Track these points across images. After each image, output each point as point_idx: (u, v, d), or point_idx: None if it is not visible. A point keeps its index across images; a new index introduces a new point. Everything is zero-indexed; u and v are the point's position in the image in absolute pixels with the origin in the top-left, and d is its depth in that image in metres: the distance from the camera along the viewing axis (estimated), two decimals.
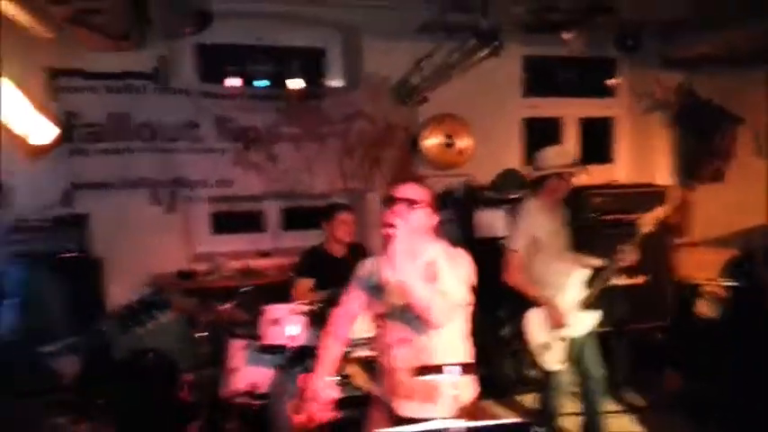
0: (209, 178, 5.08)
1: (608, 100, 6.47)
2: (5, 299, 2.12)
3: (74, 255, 4.29)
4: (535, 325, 3.78)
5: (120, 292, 4.34)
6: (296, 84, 5.27)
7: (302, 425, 2.57)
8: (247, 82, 5.42)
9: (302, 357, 3.79)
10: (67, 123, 4.64)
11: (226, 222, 5.52)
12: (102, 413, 4.15)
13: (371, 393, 2.69)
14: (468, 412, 2.13)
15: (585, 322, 3.77)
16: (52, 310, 2.23)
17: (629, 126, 6.43)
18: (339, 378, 2.79)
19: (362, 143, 5.43)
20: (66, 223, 4.42)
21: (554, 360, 3.77)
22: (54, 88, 4.64)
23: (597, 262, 3.82)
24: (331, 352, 2.66)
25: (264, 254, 5.32)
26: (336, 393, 2.61)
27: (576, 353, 3.80)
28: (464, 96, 5.50)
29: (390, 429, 2.12)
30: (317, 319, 3.80)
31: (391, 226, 2.33)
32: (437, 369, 2.23)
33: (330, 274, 4.03)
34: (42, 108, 4.48)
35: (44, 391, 3.29)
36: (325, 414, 2.55)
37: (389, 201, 2.45)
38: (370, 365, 3.10)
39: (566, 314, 3.69)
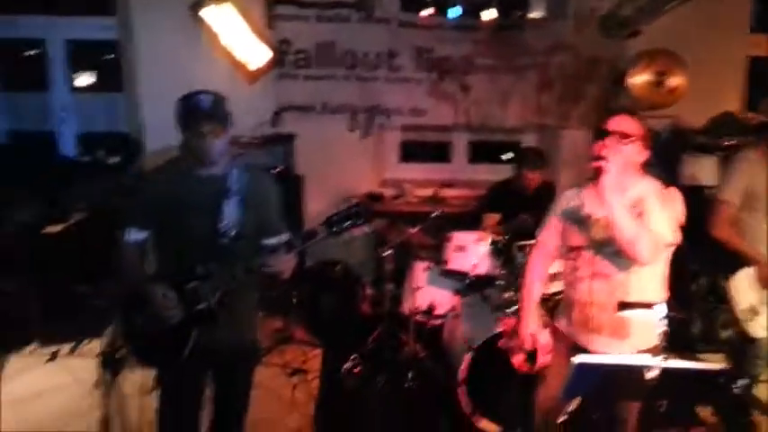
0: (403, 107, 5.20)
1: None
2: (230, 197, 2.38)
3: (280, 170, 4.67)
4: (744, 285, 3.37)
5: (316, 207, 4.71)
6: (494, 14, 5.12)
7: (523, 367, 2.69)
8: (447, 12, 5.38)
9: (481, 285, 3.86)
10: (279, 50, 4.98)
11: (413, 151, 5.67)
12: (295, 313, 4.62)
13: (553, 328, 2.64)
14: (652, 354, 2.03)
15: None
16: (268, 210, 2.49)
17: None
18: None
19: (562, 77, 5.18)
20: (274, 141, 4.81)
21: (762, 326, 3.41)
22: (271, 16, 4.96)
23: None
24: (534, 294, 2.66)
25: (448, 184, 5.38)
26: (548, 336, 2.61)
27: None
28: (681, 31, 4.97)
29: (591, 356, 2.14)
30: (502, 252, 3.83)
31: (602, 158, 2.28)
32: (645, 305, 2.20)
33: (517, 210, 4.00)
34: (260, 34, 4.87)
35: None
36: (544, 358, 2.58)
37: (602, 133, 2.35)
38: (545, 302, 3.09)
39: None
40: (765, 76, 5.34)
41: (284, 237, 2.40)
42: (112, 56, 5.35)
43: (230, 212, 2.36)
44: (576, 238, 2.48)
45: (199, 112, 2.26)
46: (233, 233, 2.36)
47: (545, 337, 2.59)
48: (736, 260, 3.36)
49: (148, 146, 4.84)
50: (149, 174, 2.58)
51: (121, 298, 2.19)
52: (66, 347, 4.13)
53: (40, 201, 4.34)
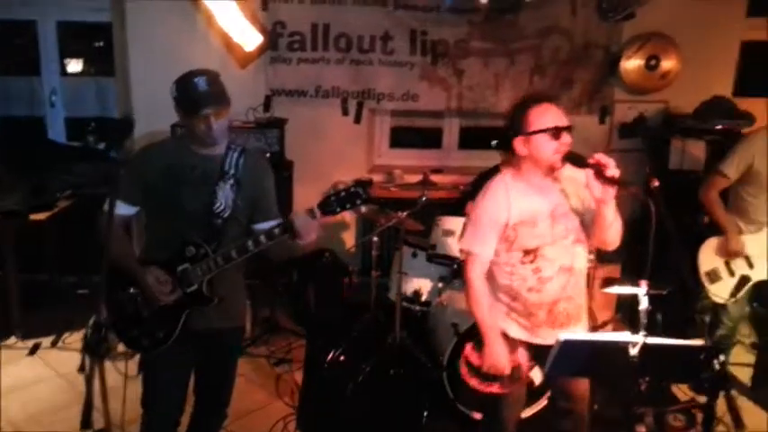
0: (395, 91, 5.17)
1: None
2: (226, 178, 2.38)
3: (271, 154, 4.67)
4: (710, 250, 3.64)
5: (304, 192, 4.71)
6: None
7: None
8: None
9: None
10: (274, 32, 4.94)
11: (404, 136, 5.65)
12: (281, 302, 4.65)
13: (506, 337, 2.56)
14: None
15: None
16: (263, 194, 2.48)
17: None
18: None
19: (556, 61, 5.15)
20: (266, 126, 4.80)
21: (720, 291, 3.59)
22: None
23: None
24: (491, 314, 2.51)
25: (438, 170, 5.37)
26: (525, 357, 2.52)
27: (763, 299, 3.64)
28: (676, 14, 4.97)
29: (578, 335, 2.18)
30: None
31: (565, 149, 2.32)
32: (631, 282, 2.18)
33: None
34: (253, 17, 4.84)
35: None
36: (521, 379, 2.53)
37: (564, 127, 2.32)
38: None
39: (742, 248, 3.52)
40: (756, 60, 5.30)
41: (276, 222, 2.34)
42: (102, 42, 5.33)
43: (225, 193, 2.34)
44: (532, 239, 2.41)
45: (199, 96, 2.22)
46: (226, 214, 2.34)
47: (522, 352, 2.52)
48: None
49: (138, 130, 4.83)
50: (145, 148, 2.51)
51: (106, 277, 2.18)
52: (47, 340, 4.14)
53: (27, 187, 4.32)
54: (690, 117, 4.88)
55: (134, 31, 4.86)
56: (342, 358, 3.96)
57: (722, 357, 1.96)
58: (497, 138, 4.08)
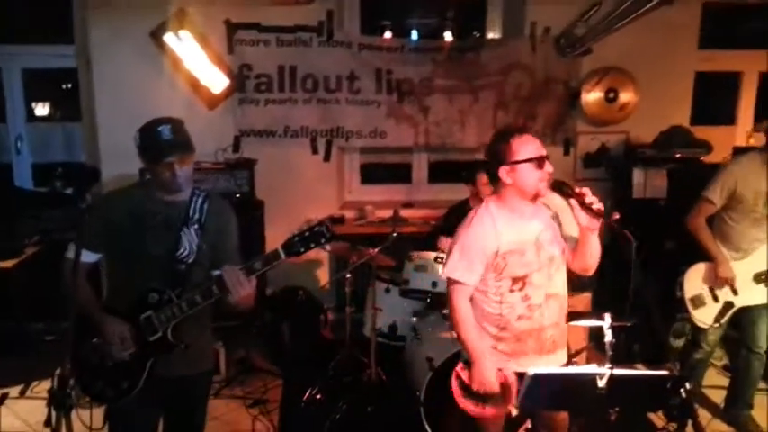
0: (363, 129, 5.23)
1: None
2: (189, 224, 2.37)
3: (240, 195, 4.67)
4: (696, 276, 3.66)
5: (276, 233, 4.69)
6: (452, 36, 5.23)
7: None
8: (406, 34, 5.49)
9: (442, 304, 3.89)
10: (240, 74, 4.99)
11: (374, 173, 5.71)
12: (256, 342, 4.60)
13: None
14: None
15: (757, 296, 3.54)
16: (226, 240, 2.46)
17: None
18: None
19: (518, 96, 5.28)
20: (235, 166, 4.80)
21: (704, 317, 3.61)
22: (231, 41, 4.97)
23: None
24: (480, 338, 2.53)
25: (408, 205, 5.44)
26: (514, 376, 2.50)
27: (744, 324, 3.65)
28: (632, 48, 5.16)
29: (545, 367, 2.20)
30: None
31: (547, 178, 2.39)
32: (596, 315, 2.21)
33: None
34: (219, 60, 4.90)
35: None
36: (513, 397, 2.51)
37: (544, 157, 2.40)
38: None
39: (734, 275, 3.51)
40: (709, 90, 5.54)
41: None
42: (70, 85, 5.33)
43: (189, 239, 2.34)
44: (521, 267, 2.45)
45: (163, 144, 2.21)
46: (190, 260, 2.33)
47: (510, 371, 2.52)
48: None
49: (105, 174, 4.81)
50: (109, 194, 2.52)
51: (73, 329, 2.13)
52: (16, 389, 4.03)
53: None
54: (650, 147, 5.02)
55: (100, 76, 4.88)
56: (318, 396, 3.91)
57: (688, 385, 1.99)
58: (466, 170, 4.16)
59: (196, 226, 2.36)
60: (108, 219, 2.33)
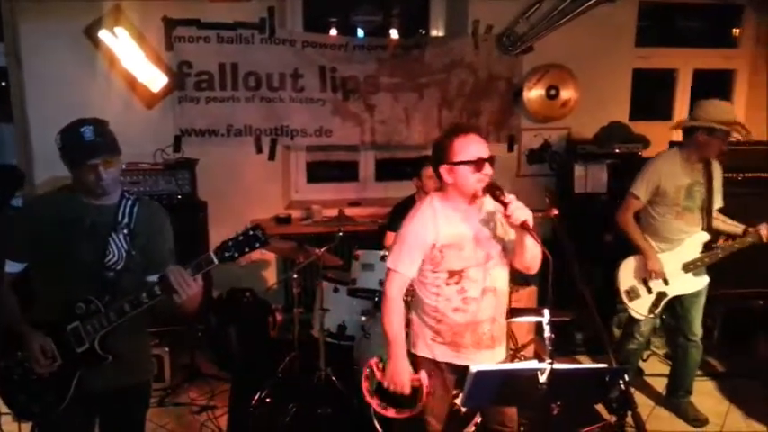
0: (308, 127, 5.17)
1: (729, 51, 5.99)
2: (118, 228, 2.27)
3: (182, 196, 4.55)
4: (629, 270, 3.78)
5: (221, 235, 4.58)
6: (398, 33, 5.22)
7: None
8: (350, 31, 5.45)
9: None
10: (180, 72, 4.86)
11: (320, 171, 5.66)
12: (201, 344, 4.50)
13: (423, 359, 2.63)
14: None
15: (688, 285, 3.72)
16: (158, 244, 2.36)
17: (749, 80, 5.94)
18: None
19: (462, 94, 5.31)
20: (176, 167, 4.67)
21: (639, 308, 3.76)
22: (170, 38, 4.82)
23: (733, 228, 3.75)
24: (403, 334, 2.57)
25: (356, 203, 5.42)
26: (427, 380, 2.53)
27: (679, 313, 3.81)
28: (572, 46, 5.25)
29: (490, 365, 2.19)
30: None
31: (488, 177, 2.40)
32: (535, 311, 2.29)
33: None
34: (158, 57, 4.76)
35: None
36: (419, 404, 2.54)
37: (487, 158, 2.41)
38: None
39: (662, 268, 3.65)
40: (646, 86, 5.74)
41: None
42: (2, 84, 5.07)
43: (117, 245, 2.23)
44: (458, 261, 2.48)
45: (85, 146, 2.09)
46: (119, 266, 2.22)
47: (424, 375, 2.54)
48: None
49: (38, 177, 4.61)
50: (32, 200, 2.40)
51: None
52: None
53: None
54: (590, 142, 5.14)
55: (31, 74, 4.65)
56: (268, 400, 3.86)
57: (626, 377, 2.04)
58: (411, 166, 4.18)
59: (125, 231, 2.25)
60: (32, 226, 2.21)
